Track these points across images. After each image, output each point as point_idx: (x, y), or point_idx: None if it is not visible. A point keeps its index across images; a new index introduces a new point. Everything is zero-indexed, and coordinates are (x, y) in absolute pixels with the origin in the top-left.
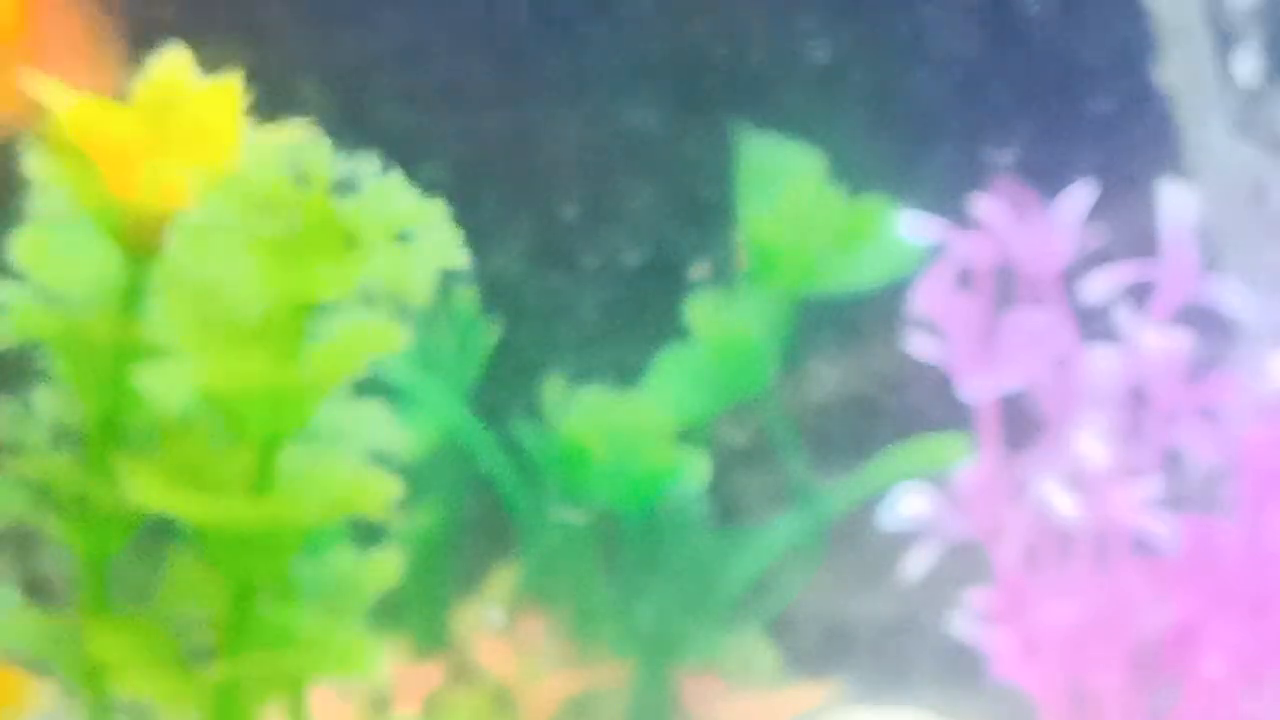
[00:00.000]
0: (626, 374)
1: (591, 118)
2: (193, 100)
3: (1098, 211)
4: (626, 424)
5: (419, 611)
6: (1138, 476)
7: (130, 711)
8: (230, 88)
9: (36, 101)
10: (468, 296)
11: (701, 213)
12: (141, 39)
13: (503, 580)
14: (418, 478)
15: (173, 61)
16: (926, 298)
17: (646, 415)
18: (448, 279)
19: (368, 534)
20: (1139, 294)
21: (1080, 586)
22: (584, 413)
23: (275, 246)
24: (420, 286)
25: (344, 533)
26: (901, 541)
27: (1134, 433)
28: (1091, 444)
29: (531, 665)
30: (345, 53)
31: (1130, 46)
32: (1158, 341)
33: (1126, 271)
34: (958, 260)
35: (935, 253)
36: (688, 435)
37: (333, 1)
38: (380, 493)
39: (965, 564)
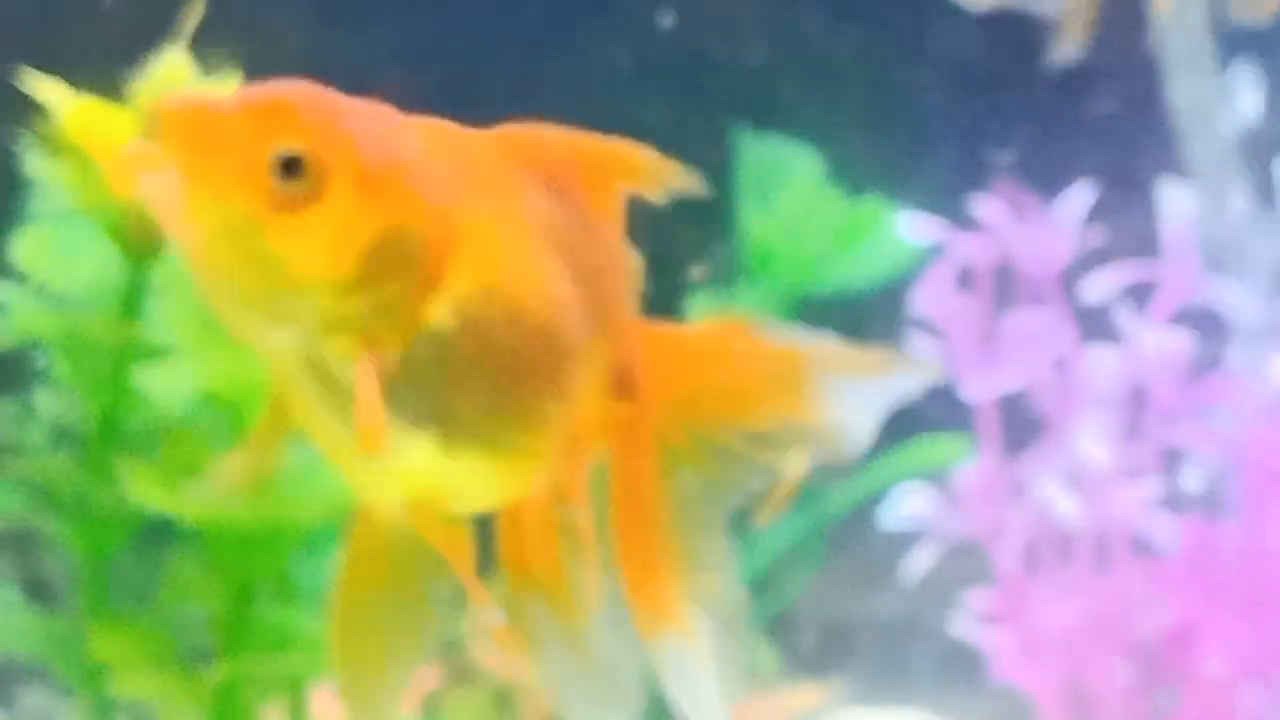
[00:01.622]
0: None
1: (591, 117)
2: None
3: (1098, 211)
4: None
5: None
6: (1138, 476)
7: (130, 711)
8: (230, 88)
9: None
10: None
11: (701, 213)
12: (143, 39)
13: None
14: None
15: (172, 62)
16: (926, 298)
17: None
18: None
19: None
20: (1139, 294)
21: (1080, 587)
22: None
23: None
24: None
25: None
26: (902, 541)
27: (1134, 433)
28: (1091, 444)
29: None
30: (345, 53)
31: (1131, 47)
32: (1158, 341)
33: (1126, 271)
34: (958, 260)
35: (935, 253)
36: None
37: (333, 1)
38: None
39: (965, 564)
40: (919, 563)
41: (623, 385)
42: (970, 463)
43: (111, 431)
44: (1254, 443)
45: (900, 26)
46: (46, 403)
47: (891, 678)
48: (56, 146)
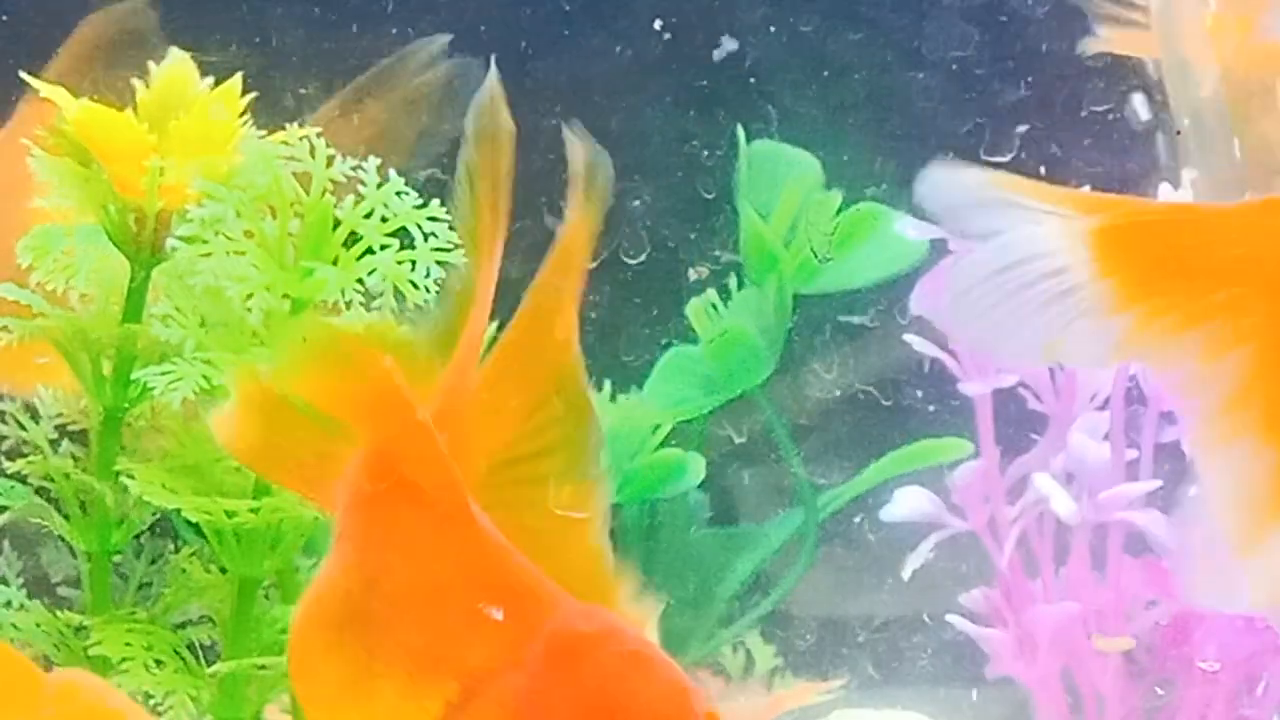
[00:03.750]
0: (626, 374)
1: (592, 117)
2: (195, 103)
3: None
4: (626, 424)
5: None
6: (1136, 476)
7: None
8: (232, 91)
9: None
10: None
11: (701, 213)
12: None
13: None
14: None
15: (176, 64)
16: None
17: (646, 415)
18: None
19: None
20: None
21: (1078, 584)
22: None
23: (276, 246)
24: (420, 286)
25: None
26: (900, 539)
27: (1134, 433)
28: (1090, 443)
29: None
30: (344, 54)
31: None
32: None
33: None
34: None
35: (935, 253)
36: (686, 434)
37: (335, 2)
38: None
39: (964, 561)
40: (917, 560)
41: None
42: (970, 461)
43: (112, 431)
44: None
45: (900, 27)
46: (46, 403)
47: (890, 675)
48: (58, 147)
